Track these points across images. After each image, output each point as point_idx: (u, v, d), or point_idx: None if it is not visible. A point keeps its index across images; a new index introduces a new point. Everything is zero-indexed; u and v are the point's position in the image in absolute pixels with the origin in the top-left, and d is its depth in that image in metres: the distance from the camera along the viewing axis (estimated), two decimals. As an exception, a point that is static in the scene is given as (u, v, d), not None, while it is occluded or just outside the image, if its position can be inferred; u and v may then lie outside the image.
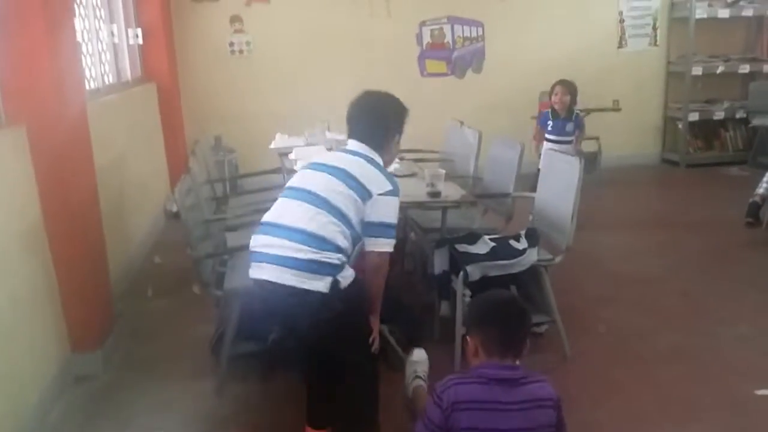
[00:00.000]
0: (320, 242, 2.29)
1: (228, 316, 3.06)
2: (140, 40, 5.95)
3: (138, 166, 5.16)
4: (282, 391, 3.04)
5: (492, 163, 4.17)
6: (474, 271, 3.07)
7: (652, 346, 3.37)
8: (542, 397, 1.95)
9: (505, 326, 2.00)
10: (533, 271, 3.20)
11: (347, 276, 2.32)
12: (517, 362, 1.99)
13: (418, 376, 2.82)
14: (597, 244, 4.71)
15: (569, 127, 5.19)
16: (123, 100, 5.11)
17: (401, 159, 4.12)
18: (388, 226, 2.41)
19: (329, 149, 4.39)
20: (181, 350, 3.49)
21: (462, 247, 3.23)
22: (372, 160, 2.51)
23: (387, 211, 2.41)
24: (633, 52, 7.57)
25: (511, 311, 2.03)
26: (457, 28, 7.30)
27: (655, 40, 7.61)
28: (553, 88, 5.25)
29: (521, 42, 7.33)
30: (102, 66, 4.96)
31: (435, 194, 3.26)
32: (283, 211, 2.47)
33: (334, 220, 2.34)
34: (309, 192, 2.42)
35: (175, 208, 2.99)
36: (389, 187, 2.43)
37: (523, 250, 3.19)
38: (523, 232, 3.34)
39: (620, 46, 7.56)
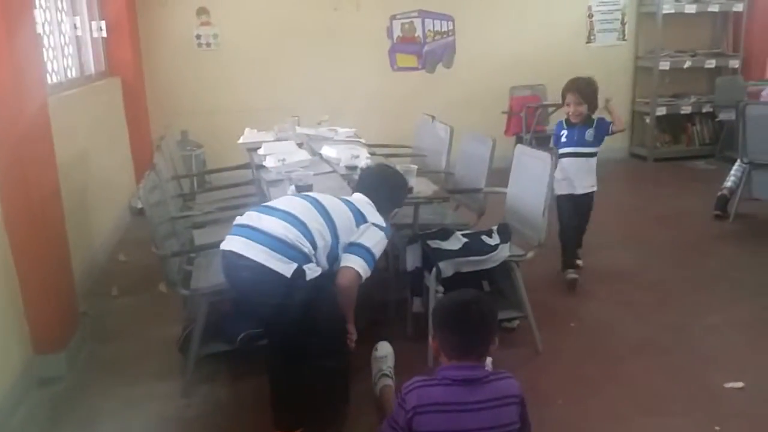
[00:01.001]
0: (301, 228, 2.46)
1: (195, 315, 3.00)
2: (104, 33, 5.82)
3: (102, 161, 5.05)
4: (251, 392, 2.98)
5: (463, 158, 4.15)
6: (446, 268, 3.05)
7: (623, 339, 3.39)
8: (508, 394, 1.96)
9: (462, 332, 1.98)
10: (505, 267, 3.19)
11: (313, 269, 2.42)
12: (487, 359, 1.98)
13: (384, 374, 2.79)
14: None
15: (589, 134, 3.98)
16: (86, 95, 4.98)
17: (372, 154, 4.09)
18: (370, 252, 2.56)
19: (299, 144, 4.34)
20: (148, 350, 3.42)
21: (434, 243, 3.20)
22: (375, 207, 2.73)
23: (375, 240, 2.58)
24: (601, 47, 7.63)
25: (469, 316, 1.97)
26: (428, 21, 7.27)
27: (624, 35, 7.68)
28: (563, 96, 4.07)
29: (491, 37, 7.33)
30: (64, 59, 4.83)
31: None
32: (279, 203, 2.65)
33: (323, 221, 2.52)
34: (315, 199, 2.63)
35: (140, 205, 2.92)
36: (384, 225, 2.65)
37: (496, 246, 3.17)
38: (495, 228, 3.33)
39: (589, 41, 7.61)
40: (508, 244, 3.23)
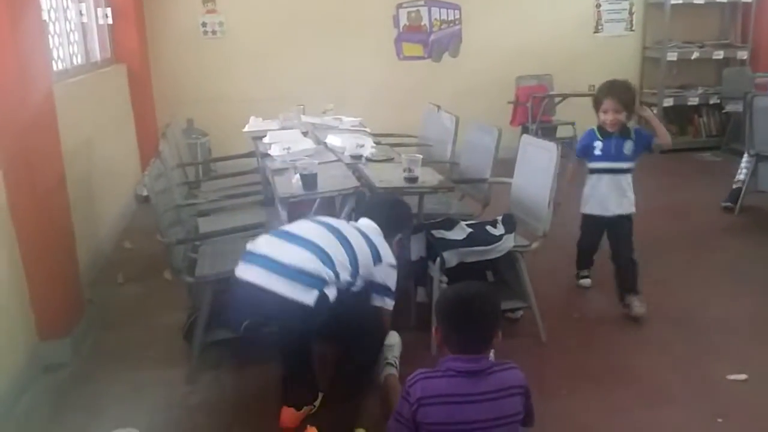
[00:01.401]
0: (324, 257, 2.48)
1: (200, 302, 3.01)
2: (110, 20, 5.80)
3: (108, 149, 5.05)
4: (255, 379, 3.00)
5: (469, 148, 4.14)
6: (451, 257, 3.05)
7: (627, 331, 3.39)
8: (512, 385, 1.96)
9: (464, 329, 1.97)
10: (510, 257, 3.19)
11: (333, 291, 2.47)
12: (491, 352, 1.97)
13: (389, 363, 2.79)
14: (573, 230, 4.70)
15: (628, 147, 3.46)
16: (92, 82, 4.98)
17: (378, 143, 4.08)
18: (391, 290, 2.72)
19: (304, 133, 4.33)
20: (153, 337, 3.43)
21: (439, 233, 3.20)
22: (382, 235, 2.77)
23: (392, 280, 2.72)
24: (609, 37, 7.58)
25: (470, 313, 1.95)
26: (435, 10, 7.23)
27: (631, 25, 7.62)
28: (597, 101, 3.49)
29: (498, 26, 7.28)
30: (70, 46, 4.82)
31: (412, 179, 3.23)
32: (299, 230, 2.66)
33: (346, 255, 2.54)
34: (336, 228, 2.64)
35: (145, 193, 2.93)
36: (394, 263, 2.73)
37: (500, 236, 3.17)
38: (499, 218, 3.33)
39: (596, 31, 7.56)
40: (513, 234, 3.22)
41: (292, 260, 2.45)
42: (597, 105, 3.48)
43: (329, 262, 2.48)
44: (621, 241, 3.58)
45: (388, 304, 2.72)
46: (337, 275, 2.48)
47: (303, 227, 2.65)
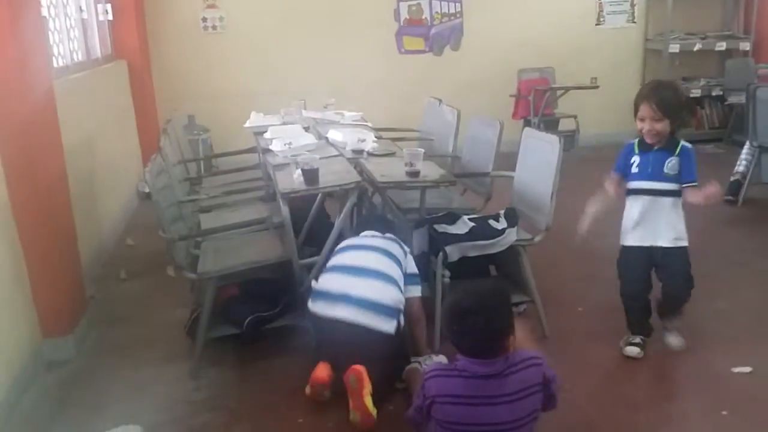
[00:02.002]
0: (391, 280, 2.75)
1: (203, 299, 3.01)
2: (110, 16, 5.80)
3: (109, 146, 5.05)
4: (259, 375, 3.00)
5: (470, 141, 4.13)
6: (453, 252, 3.04)
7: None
8: (529, 385, 1.93)
9: (470, 338, 1.92)
10: (512, 251, 3.18)
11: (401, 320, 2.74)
12: (500, 356, 1.92)
13: (417, 361, 2.79)
14: (575, 223, 4.69)
15: (671, 164, 2.80)
16: (92, 78, 4.97)
17: (379, 137, 4.07)
18: (418, 276, 2.94)
19: (306, 128, 4.32)
20: (156, 334, 3.43)
21: (441, 228, 3.19)
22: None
23: (413, 265, 2.94)
24: (611, 29, 7.55)
25: (476, 323, 1.88)
26: (435, 3, 7.21)
27: (633, 17, 7.59)
28: (635, 106, 2.84)
29: (499, 18, 7.25)
30: (70, 43, 4.81)
31: (413, 174, 3.21)
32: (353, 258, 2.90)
33: (398, 267, 2.83)
34: (380, 248, 2.89)
35: (147, 189, 2.93)
36: (409, 249, 3.00)
37: (503, 230, 3.16)
38: (502, 212, 3.32)
39: (598, 23, 7.53)
40: (516, 228, 3.21)
41: (371, 295, 2.68)
42: (634, 111, 2.84)
43: (397, 285, 2.76)
44: (673, 279, 2.93)
45: (418, 290, 2.90)
46: (400, 298, 2.75)
47: (361, 257, 2.85)
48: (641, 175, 2.86)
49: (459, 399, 1.90)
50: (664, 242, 2.88)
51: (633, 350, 2.99)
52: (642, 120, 2.80)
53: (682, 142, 2.83)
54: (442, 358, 2.83)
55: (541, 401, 1.95)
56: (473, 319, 1.88)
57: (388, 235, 2.99)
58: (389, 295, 2.70)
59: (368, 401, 2.51)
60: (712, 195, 2.77)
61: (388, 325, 2.64)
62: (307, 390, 2.71)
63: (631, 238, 2.95)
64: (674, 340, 3.04)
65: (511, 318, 1.96)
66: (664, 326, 3.06)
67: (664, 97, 2.75)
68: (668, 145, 2.81)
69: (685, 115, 2.89)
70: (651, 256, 2.92)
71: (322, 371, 2.66)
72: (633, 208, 2.92)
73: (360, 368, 2.55)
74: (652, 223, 2.88)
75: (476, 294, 1.96)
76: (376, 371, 2.61)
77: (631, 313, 3.06)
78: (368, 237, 2.99)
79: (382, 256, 2.83)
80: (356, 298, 2.67)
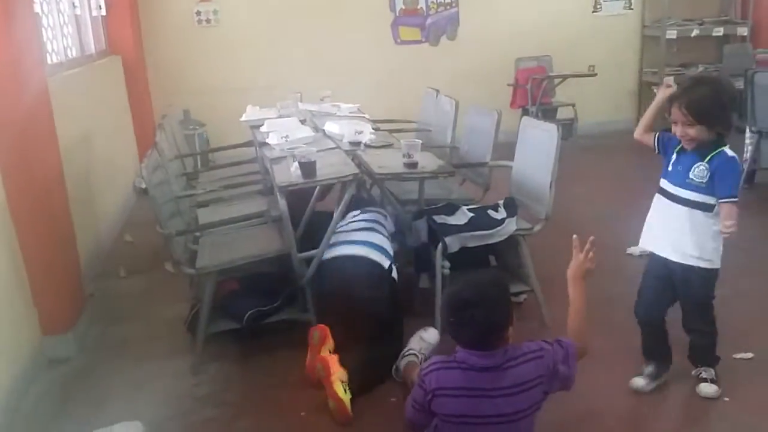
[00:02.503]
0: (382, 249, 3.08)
1: (202, 294, 3.00)
2: (103, 11, 5.77)
3: (105, 141, 5.03)
4: (260, 369, 3.00)
5: (468, 132, 4.11)
6: (453, 243, 3.03)
7: (631, 312, 3.36)
8: (529, 379, 1.92)
9: (469, 330, 1.90)
10: (512, 241, 3.17)
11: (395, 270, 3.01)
12: (500, 347, 1.91)
13: (414, 354, 2.78)
14: (575, 212, 4.67)
15: (699, 172, 2.41)
16: (87, 75, 4.95)
17: (376, 129, 4.05)
18: (395, 232, 3.31)
19: (302, 121, 4.30)
20: (156, 330, 3.43)
21: (440, 219, 3.18)
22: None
23: (391, 224, 3.37)
24: (608, 16, 7.51)
25: (474, 314, 1.86)
26: (431, -7, 7.18)
27: (630, 4, 7.54)
28: (668, 107, 2.46)
29: (495, 7, 7.22)
30: (64, 39, 4.78)
31: (412, 165, 3.19)
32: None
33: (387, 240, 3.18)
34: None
35: (144, 185, 2.92)
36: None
37: (502, 220, 3.15)
38: (501, 202, 3.31)
39: (595, 10, 7.49)
40: (515, 218, 3.21)
41: (365, 238, 3.06)
42: (668, 110, 2.47)
43: (387, 253, 3.04)
44: (687, 303, 2.62)
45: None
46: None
47: (351, 234, 3.14)
48: (667, 175, 2.54)
49: (459, 391, 1.89)
50: (674, 256, 2.52)
51: (637, 382, 2.70)
52: (675, 123, 2.42)
53: (723, 149, 2.39)
54: (432, 333, 2.83)
55: (540, 396, 1.94)
56: (473, 310, 1.86)
57: (367, 209, 3.28)
58: (381, 245, 3.07)
59: (338, 387, 2.49)
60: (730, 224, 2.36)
61: (380, 259, 2.95)
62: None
63: (643, 240, 2.68)
64: (706, 388, 2.61)
65: (510, 310, 1.95)
66: (697, 372, 2.68)
67: (698, 99, 2.35)
68: (702, 149, 2.40)
69: (729, 118, 2.39)
70: (669, 270, 2.57)
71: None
72: (653, 207, 2.63)
73: (324, 327, 2.70)
74: (663, 230, 2.56)
75: (476, 285, 1.94)
76: (356, 357, 2.67)
77: (643, 334, 2.75)
78: (353, 222, 3.25)
79: (371, 231, 3.17)
80: (351, 240, 3.06)
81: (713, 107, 2.35)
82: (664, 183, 2.55)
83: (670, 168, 2.52)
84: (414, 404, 1.98)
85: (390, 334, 2.87)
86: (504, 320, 1.90)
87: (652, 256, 2.64)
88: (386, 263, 2.97)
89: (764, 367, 2.82)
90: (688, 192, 2.44)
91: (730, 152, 2.40)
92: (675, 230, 2.50)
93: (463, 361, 1.91)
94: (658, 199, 2.59)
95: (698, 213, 2.44)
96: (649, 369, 2.71)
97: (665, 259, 2.56)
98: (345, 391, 2.52)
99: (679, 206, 2.47)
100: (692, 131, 2.36)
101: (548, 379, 1.96)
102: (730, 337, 3.05)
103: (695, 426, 2.49)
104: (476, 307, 1.86)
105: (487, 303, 1.88)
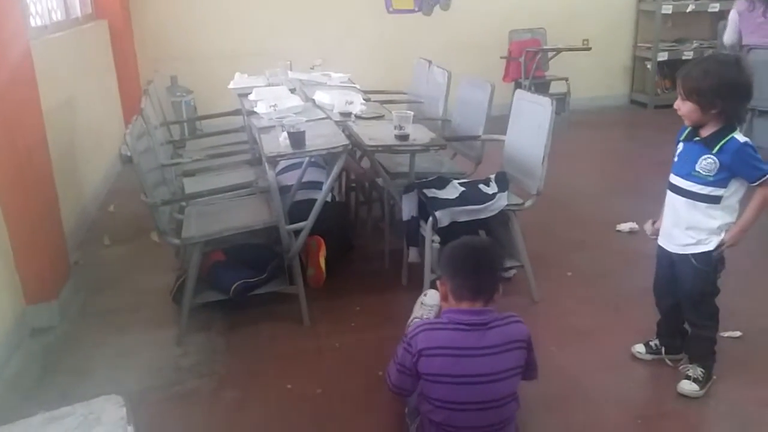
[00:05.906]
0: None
1: (188, 264, 2.96)
2: (89, -27, 5.61)
3: (90, 108, 4.93)
4: (246, 340, 2.98)
5: (461, 104, 4.05)
6: (443, 217, 3.00)
7: (620, 289, 3.37)
8: (515, 339, 1.97)
9: (475, 274, 1.98)
10: (503, 216, 3.14)
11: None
12: (489, 306, 1.98)
13: (417, 320, 2.75)
14: (566, 187, 4.66)
15: (706, 164, 2.30)
16: (72, 39, 4.83)
17: (367, 100, 3.99)
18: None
19: (292, 90, 4.23)
20: (141, 299, 3.39)
21: (431, 192, 3.15)
22: None
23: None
24: (603, -10, 7.43)
25: (481, 259, 2.01)
26: (425, -39, 7.04)
27: (626, -23, 7.46)
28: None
29: (490, -22, 7.11)
30: (48, 1, 4.65)
31: (403, 137, 3.14)
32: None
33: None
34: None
35: (129, 152, 2.86)
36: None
37: (493, 195, 3.12)
38: (493, 176, 3.27)
39: (591, -18, 7.40)
40: (506, 192, 3.17)
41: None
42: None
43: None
44: (682, 293, 2.54)
45: None
46: None
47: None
48: (674, 167, 2.44)
49: (446, 350, 1.92)
50: (673, 247, 2.48)
51: (637, 348, 2.76)
52: (678, 98, 2.35)
53: (733, 136, 2.25)
54: (432, 294, 2.76)
55: (523, 358, 1.98)
56: (479, 256, 2.00)
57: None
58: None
59: (322, 261, 3.38)
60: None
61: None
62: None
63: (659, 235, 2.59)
64: (685, 386, 2.51)
65: (502, 267, 2.18)
66: (682, 367, 2.60)
67: (692, 75, 2.27)
68: (710, 139, 2.28)
69: (727, 104, 2.24)
70: (668, 256, 2.54)
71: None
72: (665, 200, 2.52)
73: (320, 237, 3.37)
74: (668, 220, 2.49)
75: (480, 240, 2.20)
76: (331, 242, 3.45)
77: (657, 307, 2.73)
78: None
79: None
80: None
81: (704, 87, 2.24)
82: (671, 176, 2.46)
83: (676, 159, 2.44)
84: (401, 368, 1.99)
85: (344, 231, 3.78)
86: (500, 272, 2.09)
87: (659, 251, 2.59)
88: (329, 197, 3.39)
89: (753, 345, 2.83)
90: (692, 184, 2.35)
91: (741, 138, 2.26)
92: (680, 221, 2.43)
93: (450, 321, 1.96)
94: (668, 195, 2.49)
95: (702, 206, 2.35)
96: (654, 342, 2.74)
97: (662, 248, 2.55)
98: (323, 264, 3.36)
99: (686, 200, 2.38)
100: (684, 108, 2.31)
101: (527, 347, 2.01)
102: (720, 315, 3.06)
103: (680, 401, 2.49)
104: (484, 252, 2.03)
105: (491, 250, 2.06)
